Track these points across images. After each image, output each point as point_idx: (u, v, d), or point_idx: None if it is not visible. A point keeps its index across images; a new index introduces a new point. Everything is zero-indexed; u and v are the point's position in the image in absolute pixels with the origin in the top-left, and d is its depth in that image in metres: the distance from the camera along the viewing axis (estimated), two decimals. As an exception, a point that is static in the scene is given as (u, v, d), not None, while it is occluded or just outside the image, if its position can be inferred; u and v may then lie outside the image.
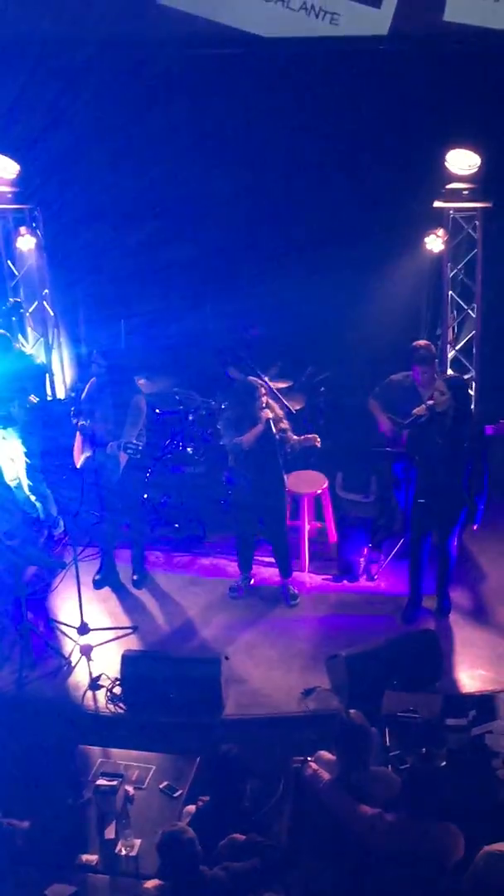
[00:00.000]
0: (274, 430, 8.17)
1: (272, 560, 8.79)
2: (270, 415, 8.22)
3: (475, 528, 8.34)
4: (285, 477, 8.48)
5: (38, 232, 10.37)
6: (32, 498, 9.32)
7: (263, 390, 8.27)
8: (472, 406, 10.15)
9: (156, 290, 10.78)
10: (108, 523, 8.89)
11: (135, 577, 9.02)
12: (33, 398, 8.86)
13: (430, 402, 7.88)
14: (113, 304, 10.79)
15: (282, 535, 8.60)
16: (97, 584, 8.88)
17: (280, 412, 8.35)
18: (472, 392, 10.32)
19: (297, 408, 9.59)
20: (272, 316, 10.12)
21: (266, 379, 9.31)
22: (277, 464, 8.32)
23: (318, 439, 8.33)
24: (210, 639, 8.34)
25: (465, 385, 8.27)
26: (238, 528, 8.75)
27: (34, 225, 10.32)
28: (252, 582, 8.85)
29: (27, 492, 9.30)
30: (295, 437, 8.33)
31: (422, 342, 9.64)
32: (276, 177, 10.12)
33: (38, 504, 9.36)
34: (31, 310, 10.57)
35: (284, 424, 8.36)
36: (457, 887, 5.39)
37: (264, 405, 8.21)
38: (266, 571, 8.84)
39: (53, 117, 10.03)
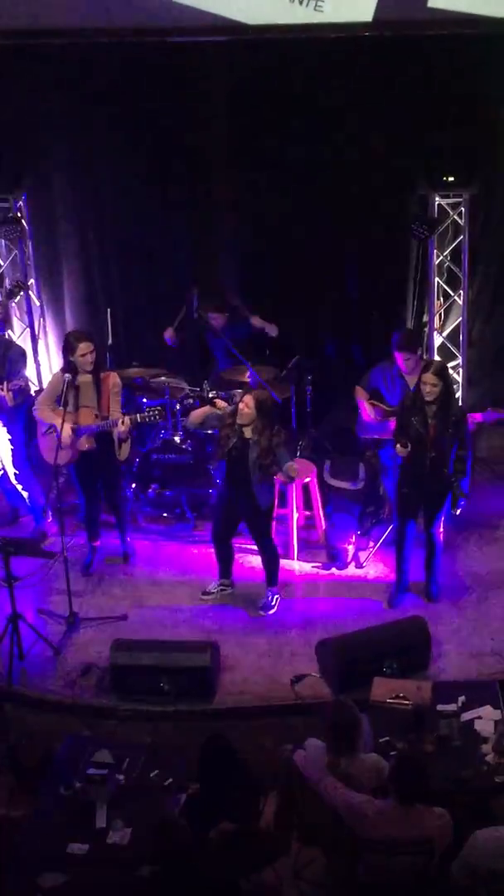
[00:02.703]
0: (256, 451, 7.97)
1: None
2: (248, 426, 8.00)
3: (457, 512, 8.41)
4: (270, 489, 8.27)
5: (24, 222, 10.34)
6: (19, 487, 9.30)
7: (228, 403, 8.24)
8: (459, 392, 10.23)
9: (142, 277, 10.76)
10: (91, 509, 8.90)
11: (124, 557, 9.09)
12: (7, 387, 8.78)
13: (427, 396, 7.89)
14: (99, 292, 10.76)
15: (266, 546, 8.47)
16: (85, 570, 8.89)
17: (273, 441, 7.99)
18: (458, 378, 10.37)
19: (284, 397, 9.62)
20: (257, 303, 10.10)
21: (253, 370, 9.37)
22: (252, 479, 8.05)
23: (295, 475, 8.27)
24: (200, 627, 8.34)
25: (447, 371, 8.29)
26: (213, 524, 8.64)
27: (20, 215, 10.28)
28: (233, 590, 8.71)
29: (13, 481, 9.28)
30: (296, 464, 8.22)
31: (405, 329, 9.69)
32: (260, 165, 10.09)
33: (24, 493, 9.34)
34: (17, 299, 10.53)
35: (270, 455, 8.01)
36: (446, 872, 5.42)
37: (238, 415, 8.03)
38: (255, 560, 8.82)
39: (38, 107, 10.01)
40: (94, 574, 8.97)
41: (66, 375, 8.25)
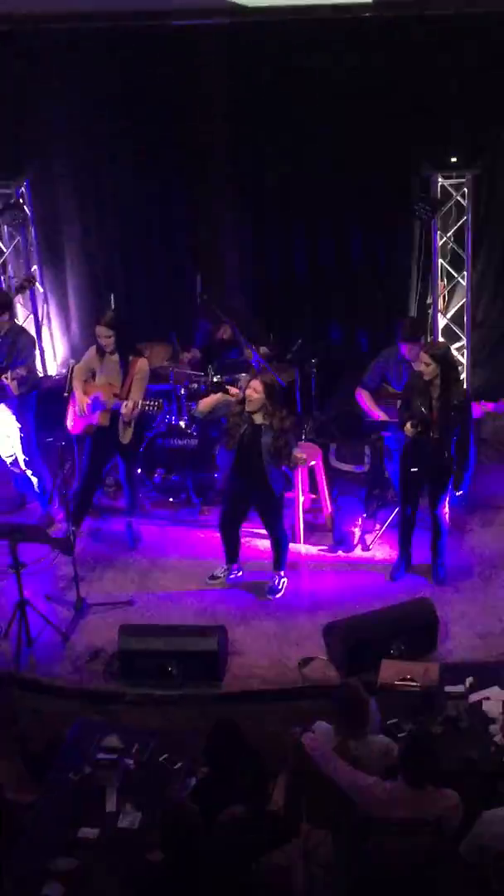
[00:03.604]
0: (270, 435, 7.95)
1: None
2: (257, 412, 7.96)
3: (458, 493, 8.48)
4: (282, 475, 8.23)
5: (27, 208, 10.33)
6: (28, 472, 9.31)
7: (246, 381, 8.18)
8: (463, 374, 10.21)
9: (145, 262, 10.75)
10: (87, 489, 8.96)
11: (132, 543, 9.11)
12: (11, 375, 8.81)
13: (426, 377, 7.90)
14: (102, 278, 10.75)
15: (277, 531, 8.45)
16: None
17: (285, 423, 8.00)
18: (462, 360, 10.35)
19: (289, 380, 9.61)
20: (260, 287, 10.09)
21: (257, 352, 9.35)
22: (265, 465, 8.03)
23: (305, 459, 8.29)
24: (207, 611, 8.35)
25: (449, 353, 8.29)
26: (221, 513, 8.63)
27: (22, 201, 10.27)
28: (240, 574, 8.70)
29: (23, 466, 9.29)
30: (298, 454, 8.21)
31: (407, 318, 9.66)
32: (261, 147, 10.07)
33: (34, 479, 9.35)
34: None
35: (284, 437, 8.00)
36: (455, 852, 5.43)
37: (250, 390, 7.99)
38: (262, 543, 8.82)
39: (39, 93, 9.99)
40: (98, 560, 8.98)
41: (72, 361, 8.45)
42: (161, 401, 8.60)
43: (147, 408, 8.48)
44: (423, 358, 7.92)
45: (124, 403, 8.37)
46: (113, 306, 9.78)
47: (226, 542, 8.59)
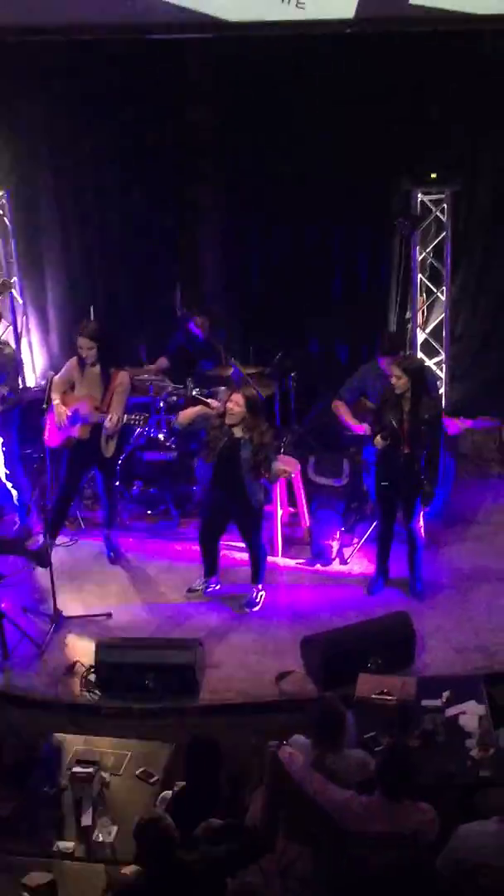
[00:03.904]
0: (249, 449, 7.96)
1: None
2: (237, 425, 7.99)
3: (426, 509, 8.54)
4: (261, 488, 8.23)
5: (6, 219, 10.32)
6: (9, 485, 9.29)
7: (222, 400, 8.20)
8: (442, 388, 10.26)
9: (125, 275, 10.75)
10: (64, 501, 8.93)
11: (110, 555, 9.09)
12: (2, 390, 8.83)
13: (397, 390, 7.96)
14: (82, 290, 10.75)
15: (255, 544, 8.45)
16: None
17: (265, 437, 8.02)
18: (441, 374, 10.40)
19: (268, 393, 9.63)
20: (240, 300, 10.11)
21: (237, 365, 9.37)
22: (245, 478, 8.04)
23: (290, 473, 8.31)
24: (185, 624, 8.34)
25: (421, 367, 8.34)
26: (200, 526, 8.64)
27: (2, 212, 10.27)
28: (218, 587, 8.70)
29: (3, 479, 9.27)
30: (282, 467, 8.20)
31: (386, 333, 9.73)
32: (242, 162, 10.10)
33: (14, 492, 9.33)
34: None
35: (264, 451, 8.02)
36: (432, 867, 5.43)
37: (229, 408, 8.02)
38: (240, 555, 8.82)
39: (20, 103, 9.99)
40: (76, 573, 8.95)
41: (51, 373, 8.37)
42: (146, 415, 8.61)
43: (133, 422, 8.48)
44: (395, 371, 7.98)
45: (108, 418, 8.35)
46: (92, 318, 9.78)
47: (204, 554, 8.58)
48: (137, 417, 8.51)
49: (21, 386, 9.97)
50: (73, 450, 8.66)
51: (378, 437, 8.02)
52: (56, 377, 8.71)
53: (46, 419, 8.67)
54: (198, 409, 8.26)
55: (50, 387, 8.60)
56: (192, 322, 9.89)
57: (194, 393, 9.20)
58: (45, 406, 8.57)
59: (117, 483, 9.27)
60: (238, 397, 7.97)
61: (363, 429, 8.77)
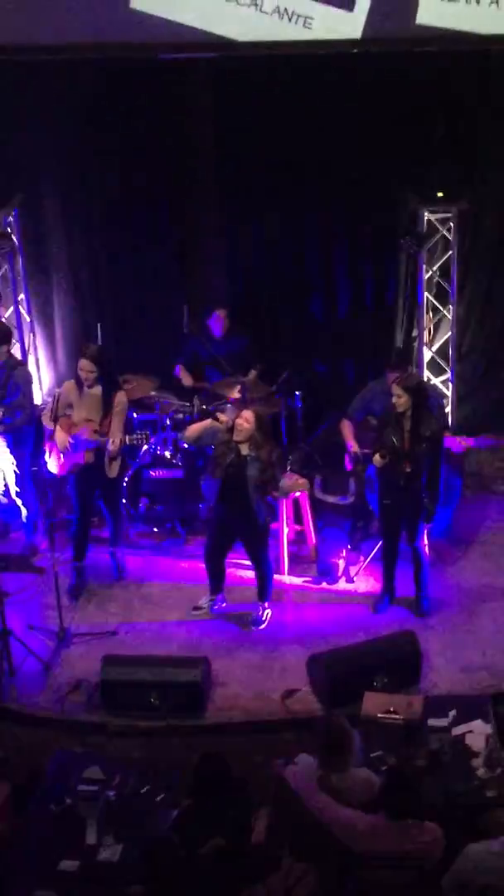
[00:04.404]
0: (256, 467, 7.95)
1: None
2: (245, 442, 7.99)
3: (430, 528, 8.53)
4: (268, 506, 8.25)
5: (14, 238, 10.35)
6: (19, 502, 9.30)
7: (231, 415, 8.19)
8: (448, 407, 10.27)
9: (132, 292, 10.77)
10: (83, 525, 8.88)
11: (116, 573, 9.09)
12: None
13: (398, 408, 7.99)
14: (89, 307, 10.77)
15: (262, 562, 8.45)
16: (72, 592, 8.86)
17: (273, 456, 8.04)
18: (447, 393, 10.40)
19: (275, 412, 9.63)
20: (247, 318, 10.12)
21: (244, 382, 9.38)
22: (251, 496, 8.03)
23: (307, 485, 8.33)
24: (190, 642, 8.33)
25: (422, 386, 8.35)
26: (207, 542, 8.63)
27: (10, 230, 10.30)
28: (224, 605, 8.70)
29: (14, 497, 9.27)
30: (285, 481, 8.18)
31: (395, 348, 9.75)
32: (249, 180, 10.13)
33: (23, 509, 9.33)
34: (6, 315, 10.55)
35: (271, 469, 8.03)
36: (437, 887, 5.41)
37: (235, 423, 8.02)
38: (246, 574, 8.81)
39: (26, 123, 10.03)
40: (83, 594, 8.94)
41: (58, 390, 8.34)
42: (147, 432, 8.62)
43: (135, 441, 8.49)
44: (395, 390, 8.00)
45: (111, 440, 8.35)
46: (99, 336, 9.80)
47: (210, 572, 8.58)
48: (139, 436, 8.51)
49: (33, 406, 9.98)
50: (78, 474, 8.63)
51: (377, 456, 8.03)
52: (50, 405, 8.68)
53: (46, 449, 8.65)
54: (206, 423, 8.25)
55: (46, 417, 8.59)
56: (212, 317, 9.91)
57: (201, 409, 9.20)
58: (52, 437, 8.58)
59: (124, 501, 9.28)
60: (248, 414, 7.98)
61: (351, 446, 8.89)
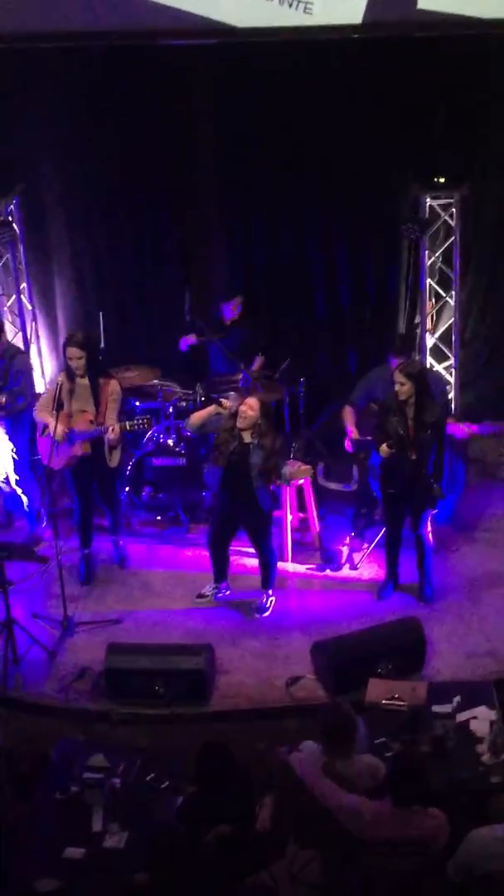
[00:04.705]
0: (260, 455, 7.95)
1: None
2: (248, 430, 7.98)
3: (435, 514, 8.53)
4: (271, 493, 8.27)
5: (16, 226, 10.33)
6: (19, 491, 9.30)
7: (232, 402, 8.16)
8: (451, 393, 10.25)
9: (134, 280, 10.76)
10: (85, 514, 8.87)
11: (119, 561, 9.09)
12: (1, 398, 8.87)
13: (400, 396, 7.98)
14: (91, 296, 10.76)
15: (265, 549, 8.45)
16: (83, 580, 8.87)
17: (276, 443, 8.05)
18: (450, 379, 10.38)
19: (277, 399, 9.63)
20: (249, 306, 10.10)
21: (246, 372, 9.37)
22: (254, 484, 8.03)
23: (311, 471, 8.32)
24: (194, 630, 8.34)
25: (424, 372, 8.35)
26: (210, 532, 8.64)
27: (11, 219, 10.28)
28: (228, 593, 8.71)
29: (13, 486, 9.28)
30: (288, 468, 8.18)
31: (398, 334, 9.73)
32: (249, 167, 10.10)
33: (24, 497, 9.34)
34: (8, 303, 10.54)
35: (275, 457, 8.03)
36: (442, 873, 5.42)
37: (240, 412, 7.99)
38: (250, 562, 8.82)
39: (29, 111, 10.00)
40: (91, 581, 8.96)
41: (59, 377, 8.29)
42: (149, 417, 8.58)
43: (137, 426, 8.44)
44: (398, 378, 7.98)
45: (109, 429, 8.31)
46: (101, 324, 9.78)
47: (214, 560, 8.58)
48: (141, 421, 8.45)
49: (34, 393, 9.97)
50: (75, 467, 8.56)
51: (384, 447, 8.01)
52: (41, 400, 8.61)
53: (41, 443, 8.57)
54: (210, 409, 8.23)
55: (39, 412, 8.50)
56: (228, 305, 9.89)
57: (203, 398, 9.19)
58: (44, 433, 8.50)
59: (127, 489, 9.27)
60: (253, 401, 7.97)
61: (351, 432, 8.89)
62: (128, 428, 8.39)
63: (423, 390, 8.02)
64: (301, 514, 9.38)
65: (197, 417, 8.25)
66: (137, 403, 9.53)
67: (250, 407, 7.93)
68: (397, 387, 7.98)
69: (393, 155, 9.87)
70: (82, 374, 8.40)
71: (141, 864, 5.46)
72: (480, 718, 6.64)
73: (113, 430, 8.29)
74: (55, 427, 8.19)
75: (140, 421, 8.43)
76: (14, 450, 9.09)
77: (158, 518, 9.61)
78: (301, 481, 9.05)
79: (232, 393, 9.00)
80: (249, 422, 7.94)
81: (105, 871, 5.72)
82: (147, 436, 9.34)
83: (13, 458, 9.11)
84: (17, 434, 9.05)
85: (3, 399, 8.79)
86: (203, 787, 5.97)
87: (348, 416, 9.04)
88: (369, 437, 8.62)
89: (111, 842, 5.95)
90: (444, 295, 10.29)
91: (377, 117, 9.69)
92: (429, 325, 10.38)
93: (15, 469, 9.17)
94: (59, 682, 7.82)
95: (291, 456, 9.26)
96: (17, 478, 9.21)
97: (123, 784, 6.33)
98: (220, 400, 8.38)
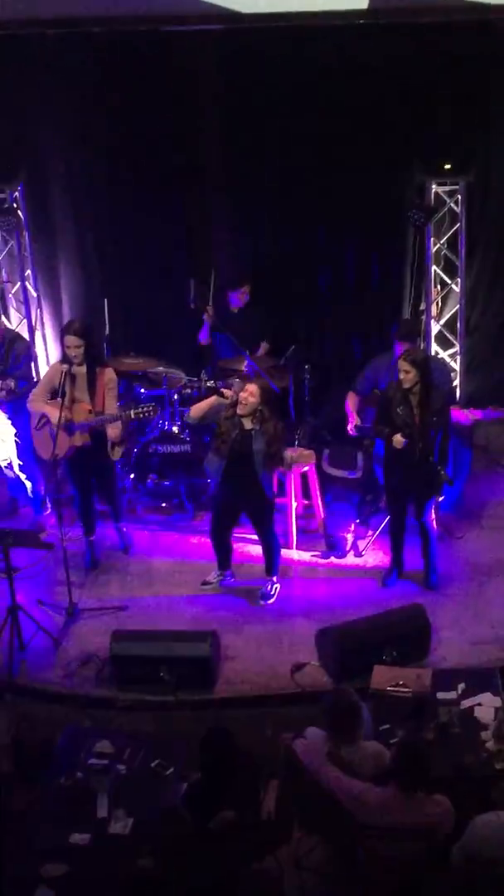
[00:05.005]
0: (262, 441, 7.95)
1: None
2: (249, 416, 7.99)
3: (441, 499, 8.53)
4: (272, 481, 8.25)
5: (20, 213, 10.32)
6: (23, 476, 9.31)
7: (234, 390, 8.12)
8: (457, 380, 10.25)
9: (139, 267, 10.74)
10: (85, 503, 8.86)
11: (123, 548, 9.10)
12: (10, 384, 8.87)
13: (405, 384, 7.97)
14: (96, 282, 10.74)
15: (269, 536, 8.46)
16: (89, 567, 8.88)
17: (278, 429, 8.05)
18: (456, 366, 10.37)
19: (282, 386, 9.62)
20: (253, 293, 10.09)
21: (251, 358, 9.36)
22: (257, 470, 8.04)
23: (313, 456, 8.31)
24: (199, 616, 8.35)
25: (428, 360, 8.34)
26: (212, 519, 8.62)
27: (16, 206, 10.27)
28: (233, 580, 8.70)
29: (17, 471, 9.29)
30: (290, 454, 8.15)
31: (403, 320, 9.71)
32: (254, 154, 10.08)
33: (27, 483, 9.35)
34: (13, 291, 10.53)
35: (277, 443, 8.05)
36: (446, 859, 5.43)
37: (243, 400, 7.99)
38: (254, 549, 8.82)
39: (33, 97, 9.98)
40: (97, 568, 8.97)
41: (64, 366, 8.22)
42: (155, 405, 8.56)
43: (143, 415, 8.41)
44: (403, 366, 7.97)
45: (110, 429, 8.29)
46: (106, 311, 9.77)
47: (217, 547, 8.59)
48: (147, 408, 8.42)
49: (35, 378, 9.98)
50: (72, 457, 8.48)
51: (398, 436, 7.98)
52: (35, 390, 8.51)
53: (37, 436, 8.55)
54: (211, 400, 8.23)
55: (33, 403, 8.44)
56: (235, 293, 9.88)
57: (209, 384, 9.19)
58: (39, 425, 8.46)
59: (132, 476, 9.27)
60: (253, 388, 7.96)
61: (353, 419, 8.90)
62: (133, 416, 8.36)
63: (427, 377, 8.01)
64: (306, 502, 9.38)
65: (197, 409, 8.25)
66: (143, 391, 9.52)
67: (251, 393, 7.93)
68: (402, 374, 7.97)
69: (398, 141, 9.84)
70: (80, 363, 8.31)
71: (146, 850, 5.48)
72: (485, 705, 6.65)
73: (115, 427, 8.28)
74: (59, 415, 8.11)
75: (146, 409, 8.40)
76: (17, 434, 9.09)
77: (163, 505, 9.61)
78: (305, 468, 9.06)
79: (236, 380, 8.99)
80: (250, 408, 7.93)
81: (110, 857, 5.74)
82: (153, 420, 9.29)
83: (16, 441, 9.12)
84: (20, 418, 9.05)
85: (12, 384, 8.79)
86: (208, 774, 5.99)
87: (352, 402, 9.04)
88: (369, 426, 8.63)
89: (116, 828, 5.96)
90: (449, 282, 10.27)
91: (383, 103, 9.66)
92: (434, 312, 10.36)
93: (18, 454, 9.18)
94: (65, 669, 7.83)
95: (296, 443, 9.27)
96: (21, 463, 9.21)
97: (128, 770, 6.35)
98: (222, 389, 8.38)
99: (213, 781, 5.93)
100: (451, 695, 6.76)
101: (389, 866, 5.43)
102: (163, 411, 9.35)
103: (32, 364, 10.11)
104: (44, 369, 10.58)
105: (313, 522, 9.38)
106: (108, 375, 8.45)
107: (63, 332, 8.45)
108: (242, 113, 9.88)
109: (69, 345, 8.28)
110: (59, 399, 8.16)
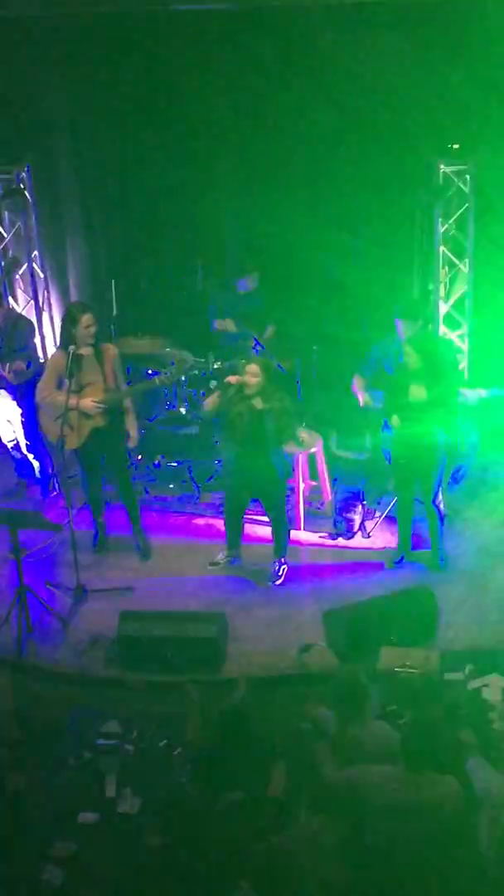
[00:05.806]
0: (272, 419, 7.93)
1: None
2: (257, 395, 7.97)
3: (450, 482, 8.49)
4: (286, 459, 8.31)
5: (27, 194, 10.30)
6: (30, 456, 9.32)
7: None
8: (462, 362, 10.23)
9: (147, 248, 10.72)
10: (93, 487, 8.84)
11: (141, 553, 8.94)
12: (10, 367, 8.87)
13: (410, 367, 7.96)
14: (103, 264, 10.73)
15: (279, 517, 8.47)
16: (97, 548, 8.89)
17: (285, 404, 8.02)
18: (463, 347, 10.35)
19: (290, 367, 9.61)
20: (264, 275, 10.07)
21: (258, 340, 9.35)
22: (269, 450, 8.06)
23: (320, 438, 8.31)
24: (207, 598, 8.36)
25: (433, 342, 8.33)
26: (226, 501, 8.64)
27: (23, 186, 10.25)
28: (241, 561, 8.69)
29: (24, 451, 9.30)
30: (304, 434, 8.13)
31: (408, 298, 9.69)
32: (262, 133, 10.05)
33: (35, 463, 9.36)
34: (20, 272, 10.52)
35: (285, 418, 8.03)
36: (455, 839, 5.44)
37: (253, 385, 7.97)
38: (262, 530, 8.83)
39: (39, 78, 9.95)
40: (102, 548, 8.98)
41: (71, 347, 8.10)
42: (171, 365, 8.54)
43: (166, 380, 8.49)
44: (407, 349, 8.00)
45: (131, 437, 8.41)
46: (114, 292, 9.75)
47: (229, 528, 8.59)
48: (171, 371, 8.49)
49: (42, 359, 9.98)
50: (85, 439, 8.39)
51: (395, 418, 8.00)
52: (43, 383, 8.29)
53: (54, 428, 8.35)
54: (218, 393, 8.23)
55: (46, 396, 8.26)
56: (244, 280, 9.85)
57: (216, 366, 9.18)
58: (57, 419, 8.18)
59: (139, 457, 9.27)
60: (254, 367, 7.95)
61: (362, 400, 8.89)
62: (157, 383, 8.44)
63: (432, 358, 7.99)
64: (314, 483, 9.38)
65: (210, 404, 8.22)
66: (150, 372, 9.52)
67: (252, 373, 7.92)
68: (406, 357, 7.96)
69: (407, 121, 9.79)
70: (93, 343, 8.21)
71: (154, 830, 5.51)
72: (492, 686, 6.67)
73: (133, 437, 8.41)
74: (76, 402, 8.05)
75: (168, 373, 8.45)
76: (23, 414, 9.09)
77: (171, 486, 9.62)
78: (313, 449, 9.06)
79: (242, 360, 8.97)
80: (256, 387, 7.93)
81: (119, 836, 5.77)
82: (182, 378, 9.22)
83: (22, 421, 9.12)
84: (26, 399, 9.04)
85: (22, 365, 8.78)
86: (215, 754, 6.00)
87: (359, 384, 9.02)
88: (379, 405, 8.63)
89: (124, 807, 6.00)
90: (457, 263, 10.23)
91: (391, 83, 9.61)
92: (441, 292, 10.33)
93: (25, 434, 9.18)
94: (73, 650, 7.85)
95: (304, 425, 9.26)
96: (28, 443, 9.22)
97: (136, 750, 6.38)
98: (227, 379, 8.38)
99: (220, 762, 5.94)
100: (459, 675, 6.78)
101: (397, 846, 5.45)
102: (171, 392, 9.34)
103: (38, 345, 10.11)
104: (51, 349, 10.55)
105: (321, 504, 9.38)
106: (113, 352, 8.36)
107: (76, 313, 8.17)
108: (250, 93, 9.85)
109: (87, 324, 8.09)
110: (66, 384, 8.09)
